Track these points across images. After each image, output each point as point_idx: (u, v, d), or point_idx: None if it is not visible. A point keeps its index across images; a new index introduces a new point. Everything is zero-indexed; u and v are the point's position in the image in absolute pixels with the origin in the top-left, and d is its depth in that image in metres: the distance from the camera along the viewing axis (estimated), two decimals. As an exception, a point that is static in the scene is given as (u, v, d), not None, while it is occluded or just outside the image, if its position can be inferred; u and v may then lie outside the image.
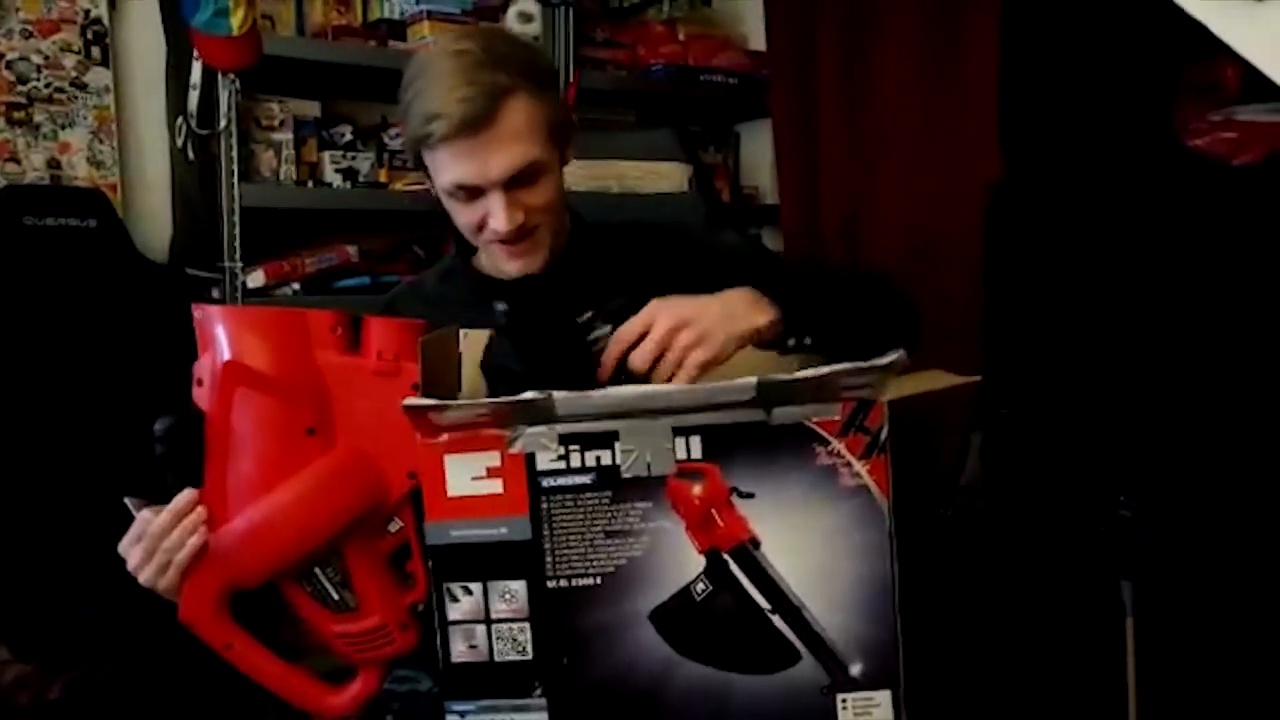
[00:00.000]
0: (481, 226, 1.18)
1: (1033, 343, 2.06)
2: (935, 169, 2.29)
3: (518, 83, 1.14)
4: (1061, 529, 1.90)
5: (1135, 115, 1.89)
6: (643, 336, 1.00)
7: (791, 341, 1.06)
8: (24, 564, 1.87)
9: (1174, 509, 1.78)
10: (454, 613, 0.92)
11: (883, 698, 0.91)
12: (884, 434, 0.89)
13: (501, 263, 1.22)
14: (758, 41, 2.78)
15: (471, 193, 1.16)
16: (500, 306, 1.25)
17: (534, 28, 2.40)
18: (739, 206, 2.79)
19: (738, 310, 1.04)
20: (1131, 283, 1.89)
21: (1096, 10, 1.83)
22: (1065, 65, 1.99)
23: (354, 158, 2.28)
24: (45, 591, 1.87)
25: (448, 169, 1.15)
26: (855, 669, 0.91)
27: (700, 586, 0.90)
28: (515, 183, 1.15)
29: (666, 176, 1.57)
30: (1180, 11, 0.85)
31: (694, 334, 1.00)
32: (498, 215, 1.15)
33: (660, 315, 1.01)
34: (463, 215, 1.19)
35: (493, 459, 0.89)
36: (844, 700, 0.91)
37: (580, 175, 1.60)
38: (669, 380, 0.97)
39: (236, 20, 1.97)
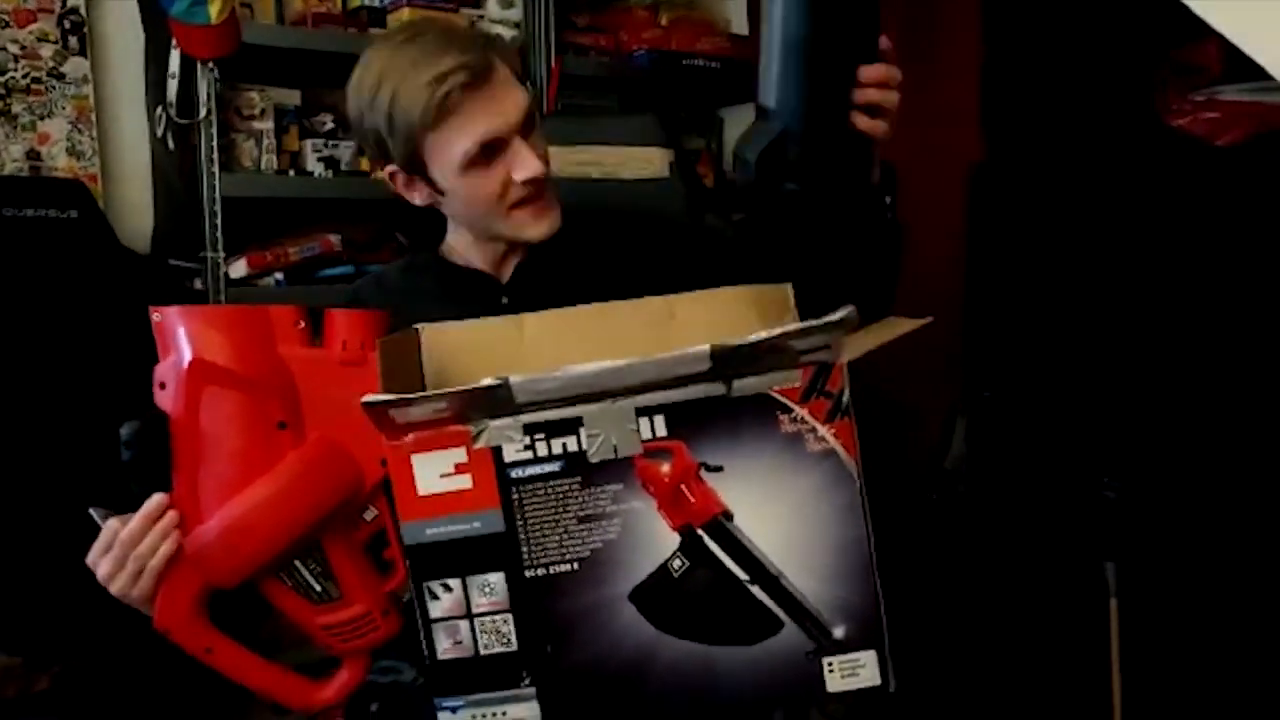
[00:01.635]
0: (504, 191, 1.18)
1: (1015, 325, 2.06)
2: (916, 149, 2.27)
3: (485, 40, 1.19)
4: (1045, 511, 1.91)
5: (1117, 95, 1.89)
6: None
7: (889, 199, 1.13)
8: (10, 557, 1.86)
9: (1157, 491, 1.79)
10: (436, 610, 0.91)
11: (868, 658, 0.91)
12: (845, 396, 0.89)
13: (527, 227, 1.21)
14: (740, 26, 2.78)
15: (489, 152, 1.15)
16: (504, 300, 1.25)
17: (515, 13, 2.39)
18: (722, 191, 2.79)
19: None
20: (1114, 264, 1.90)
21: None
22: (1047, 46, 1.99)
23: (335, 146, 2.27)
24: (28, 586, 1.86)
25: (470, 127, 1.14)
26: (838, 632, 0.91)
27: (677, 563, 0.90)
28: (525, 130, 1.17)
29: (648, 162, 1.56)
30: (1162, -7, 0.85)
31: None
32: (527, 160, 1.16)
33: None
34: (485, 185, 1.17)
35: (459, 455, 0.89)
36: (829, 663, 0.91)
37: (562, 161, 1.59)
38: None
39: (215, 9, 1.96)
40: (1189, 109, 1.79)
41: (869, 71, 1.05)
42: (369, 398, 0.85)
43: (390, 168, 1.21)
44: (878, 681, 0.92)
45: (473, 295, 1.26)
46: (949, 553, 2.01)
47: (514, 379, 0.85)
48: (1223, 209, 1.76)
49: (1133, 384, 1.87)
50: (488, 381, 0.85)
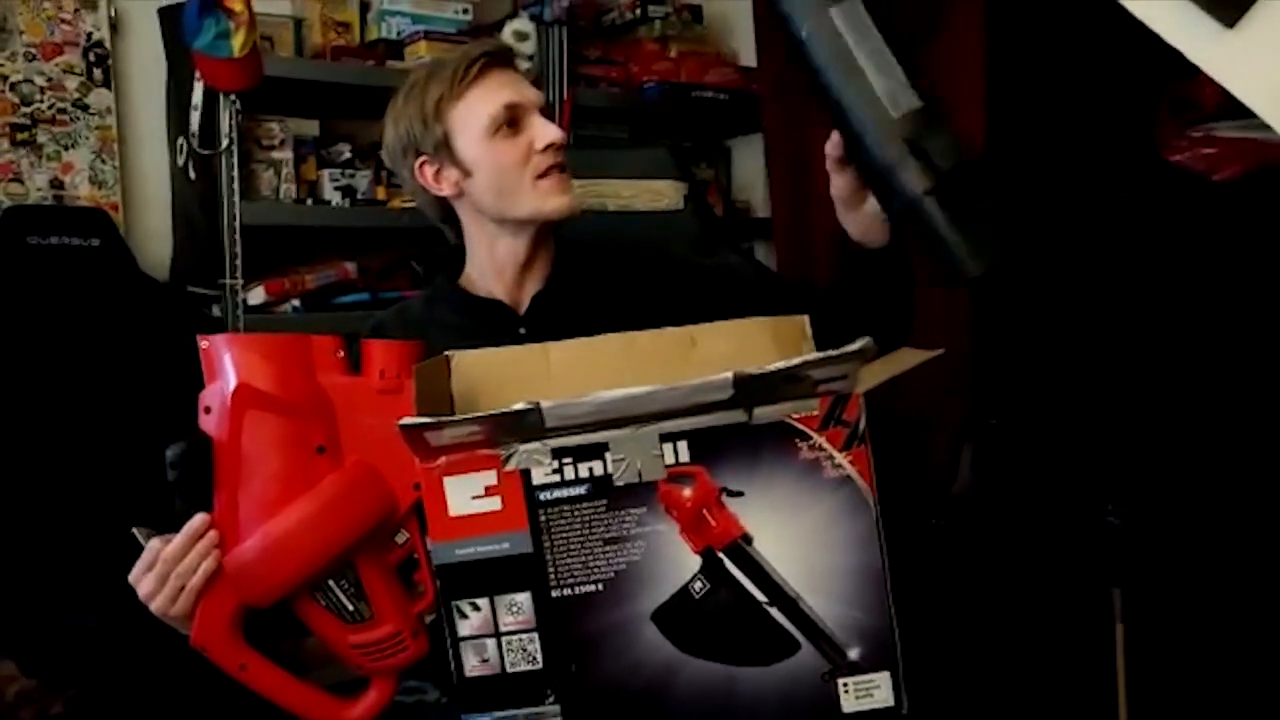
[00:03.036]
0: (526, 159, 1.26)
1: (1021, 355, 2.09)
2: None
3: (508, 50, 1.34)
4: (1051, 537, 1.93)
5: (1118, 130, 1.93)
6: None
7: None
8: (29, 580, 1.88)
9: (1162, 517, 1.81)
10: (464, 628, 0.94)
11: (882, 679, 0.94)
12: (862, 425, 0.92)
13: (549, 199, 1.28)
14: (749, 57, 2.82)
15: (513, 119, 1.26)
16: (521, 331, 1.29)
17: (529, 46, 2.43)
18: (731, 221, 2.83)
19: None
20: (1117, 295, 1.93)
21: (1079, 30, 1.87)
22: (1050, 83, 2.03)
23: (352, 175, 2.31)
24: (50, 607, 1.88)
25: (492, 95, 1.25)
26: (854, 653, 0.93)
27: (698, 585, 0.93)
28: (544, 114, 1.29)
29: (662, 194, 1.60)
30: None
31: None
32: (547, 127, 1.27)
33: None
34: (508, 153, 1.26)
35: (490, 478, 0.92)
36: (845, 684, 0.94)
37: (578, 193, 1.63)
38: None
39: (238, 43, 2.00)
40: (1187, 144, 1.83)
41: None
42: (406, 420, 0.88)
43: (421, 159, 1.29)
44: (891, 703, 0.94)
45: (491, 325, 1.30)
46: (957, 578, 2.03)
47: (545, 404, 0.88)
48: (1221, 242, 1.79)
49: (1137, 412, 1.90)
50: (520, 406, 0.88)
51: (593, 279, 1.31)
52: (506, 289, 1.32)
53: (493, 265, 1.32)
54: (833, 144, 1.10)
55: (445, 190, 1.29)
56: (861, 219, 1.17)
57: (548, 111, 1.31)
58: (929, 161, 1.01)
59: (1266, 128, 0.85)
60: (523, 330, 1.30)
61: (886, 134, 1.01)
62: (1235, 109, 0.86)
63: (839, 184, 1.15)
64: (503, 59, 1.28)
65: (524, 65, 2.41)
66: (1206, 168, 1.80)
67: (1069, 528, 1.88)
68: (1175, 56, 0.86)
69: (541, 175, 1.26)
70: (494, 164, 1.26)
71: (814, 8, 1.03)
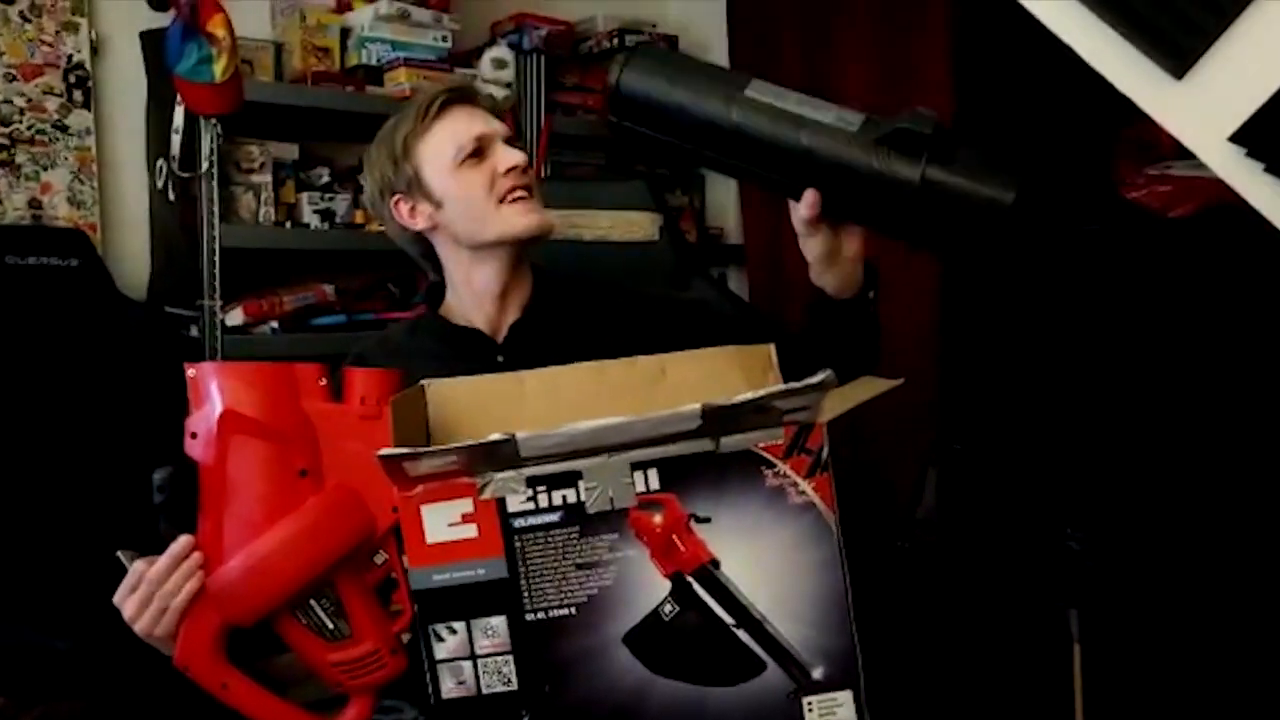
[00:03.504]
0: (491, 185, 1.31)
1: (986, 382, 2.14)
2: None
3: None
4: (1012, 560, 1.98)
5: (1079, 168, 1.98)
6: None
7: (871, 294, 1.20)
8: (3, 598, 1.88)
9: (1119, 541, 1.86)
10: (441, 652, 0.96)
11: (845, 698, 0.97)
12: (825, 453, 0.95)
13: (516, 222, 1.32)
14: (723, 87, 2.87)
15: (478, 149, 1.31)
16: (500, 359, 1.32)
17: (507, 74, 2.47)
18: (705, 247, 2.87)
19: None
20: (1078, 325, 1.98)
21: (1041, 72, 1.93)
22: (1014, 121, 2.09)
23: (331, 199, 2.33)
24: (20, 624, 1.88)
25: (456, 129, 1.32)
26: (817, 673, 0.96)
27: (668, 608, 0.96)
28: (509, 142, 1.35)
29: (638, 226, 1.64)
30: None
31: None
32: (509, 153, 1.32)
33: None
34: (475, 180, 1.31)
35: (466, 506, 0.94)
36: (809, 703, 0.97)
37: (555, 224, 1.67)
38: None
39: (219, 68, 2.02)
40: (1144, 182, 1.89)
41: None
42: (384, 451, 0.91)
43: (396, 197, 1.34)
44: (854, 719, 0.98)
45: (470, 354, 1.33)
46: (920, 599, 2.07)
47: (519, 435, 0.91)
48: (1176, 275, 1.85)
49: (1097, 440, 1.95)
50: (495, 437, 0.91)
51: (570, 310, 1.35)
52: (485, 318, 1.36)
53: (471, 294, 1.35)
54: (806, 204, 1.09)
55: (420, 224, 1.34)
56: (839, 272, 1.18)
57: (514, 140, 1.36)
58: (908, 147, 1.03)
59: (1218, 168, 0.90)
60: (501, 358, 1.33)
61: (859, 147, 1.04)
62: (1189, 149, 0.91)
63: (815, 245, 1.14)
64: (465, 95, 1.35)
65: (501, 93, 2.44)
66: (1162, 205, 1.86)
67: (1029, 550, 1.92)
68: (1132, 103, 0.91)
69: (507, 198, 1.31)
70: (462, 192, 1.31)
71: (731, 98, 1.06)
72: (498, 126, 1.35)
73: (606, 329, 1.30)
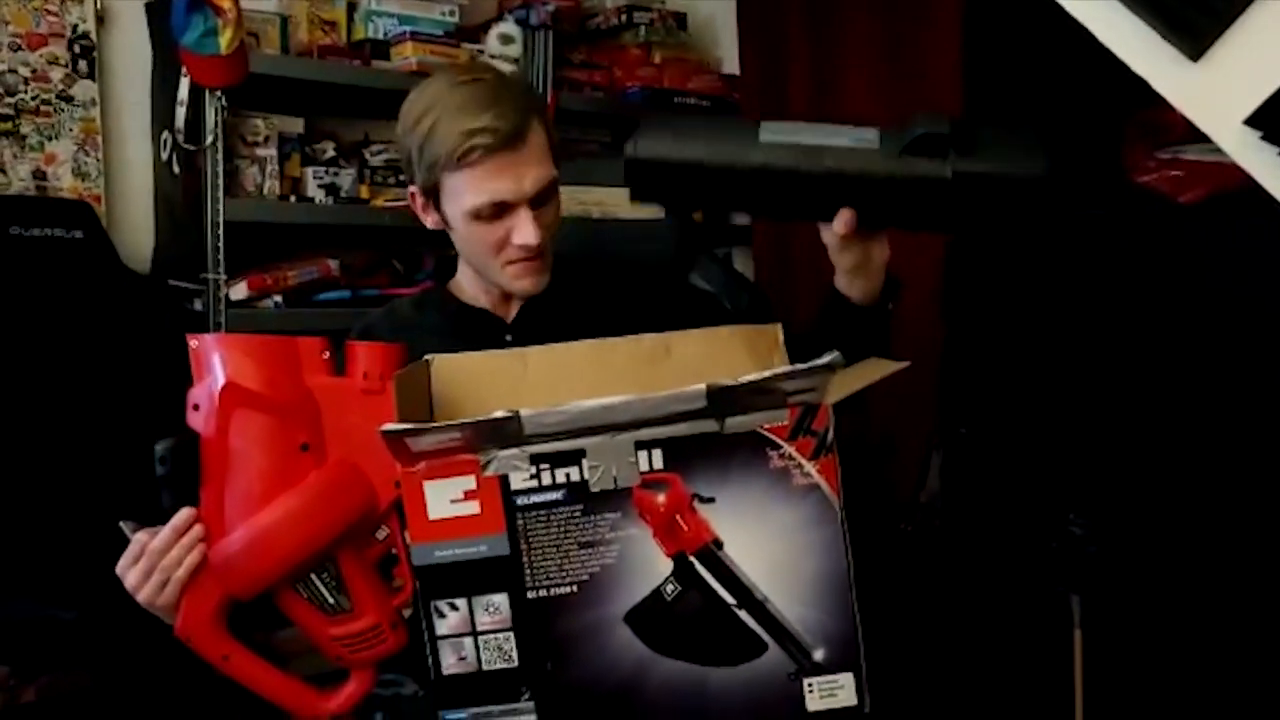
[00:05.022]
0: (501, 246, 1.25)
1: (990, 365, 2.13)
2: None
3: (532, 106, 1.26)
4: (1015, 544, 1.98)
5: (1088, 153, 1.97)
6: None
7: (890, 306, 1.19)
8: (8, 570, 1.89)
9: (1121, 527, 1.86)
10: (442, 628, 0.96)
11: (846, 680, 0.97)
12: (830, 435, 0.95)
13: (515, 281, 1.28)
14: (732, 65, 2.86)
15: (498, 211, 1.23)
16: (508, 339, 1.31)
17: (514, 49, 2.46)
18: (711, 228, 2.86)
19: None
20: (1083, 311, 1.98)
21: (1051, 54, 1.91)
22: (1022, 104, 2.07)
23: (336, 174, 2.32)
24: (26, 596, 1.89)
25: (482, 186, 1.21)
26: (818, 654, 0.97)
27: (670, 588, 0.96)
28: (537, 201, 1.24)
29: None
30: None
31: None
32: (528, 230, 1.23)
33: None
34: (485, 236, 1.24)
35: (469, 483, 0.94)
36: (810, 684, 0.97)
37: (565, 200, 1.66)
38: None
39: (225, 40, 2.01)
40: (1154, 166, 1.87)
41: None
42: (387, 427, 0.91)
43: (412, 187, 1.30)
44: (854, 702, 0.98)
45: (478, 333, 1.32)
46: (923, 582, 2.07)
47: (524, 412, 0.91)
48: (1186, 261, 1.84)
49: (1101, 424, 1.95)
50: (499, 414, 0.91)
51: (580, 290, 1.34)
52: (493, 302, 1.35)
53: (480, 285, 1.35)
54: (843, 222, 1.08)
55: (429, 223, 1.32)
56: (869, 280, 1.17)
57: (554, 187, 1.26)
58: (932, 149, 1.04)
59: (1229, 152, 0.89)
60: (509, 338, 1.32)
61: (885, 160, 1.05)
62: (1201, 133, 0.90)
63: (849, 257, 1.14)
64: (511, 140, 1.20)
65: (508, 69, 2.43)
66: (1172, 190, 1.85)
67: (1032, 535, 1.92)
68: (1144, 82, 0.89)
69: (512, 263, 1.27)
70: (470, 240, 1.27)
71: (749, 143, 1.06)
72: (531, 186, 1.22)
73: (617, 310, 1.29)
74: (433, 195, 1.27)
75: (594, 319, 1.21)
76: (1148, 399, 1.89)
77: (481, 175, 1.21)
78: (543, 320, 1.31)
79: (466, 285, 1.37)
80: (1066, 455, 1.96)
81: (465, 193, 1.23)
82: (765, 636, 0.97)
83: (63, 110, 2.18)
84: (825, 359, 0.91)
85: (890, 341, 1.25)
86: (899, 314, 1.25)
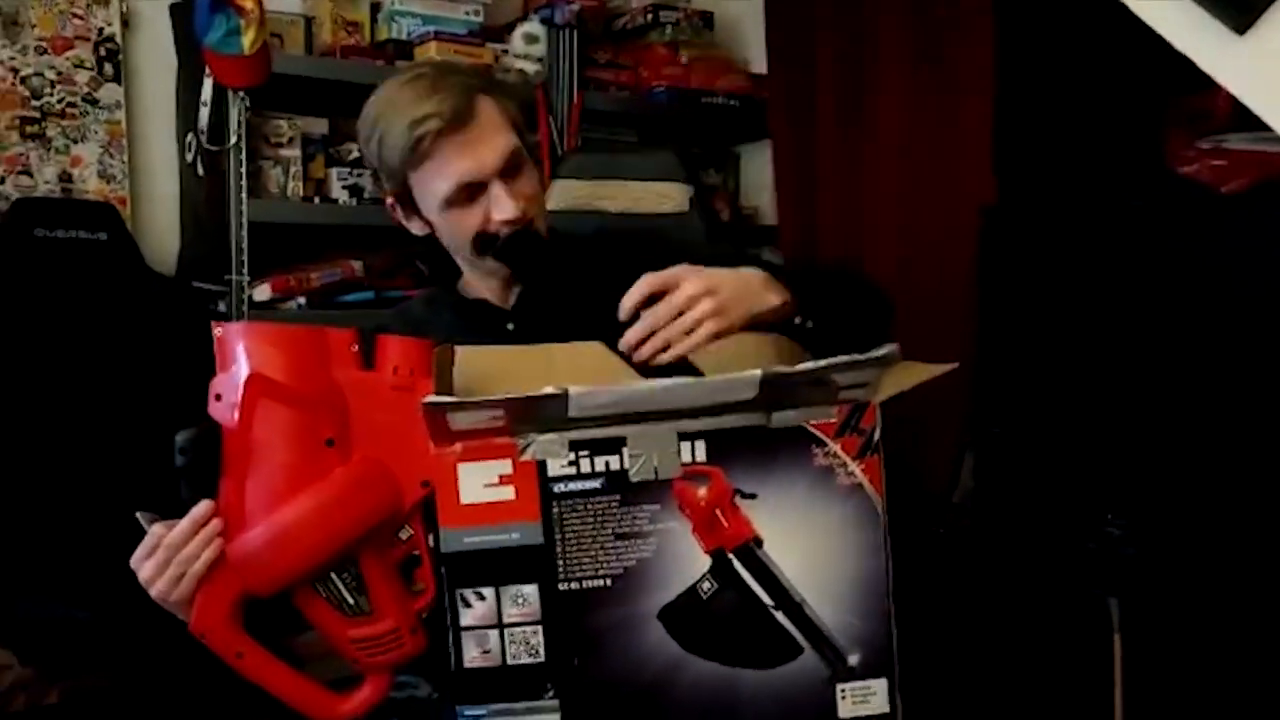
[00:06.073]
0: (484, 229, 1.23)
1: (1024, 364, 2.10)
2: (930, 192, 2.34)
3: (477, 84, 1.24)
4: (1050, 546, 1.94)
5: (1127, 142, 1.93)
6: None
7: (798, 320, 1.10)
8: (26, 569, 1.89)
9: (1160, 528, 1.82)
10: (467, 618, 0.94)
11: (879, 686, 0.95)
12: (877, 435, 0.93)
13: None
14: (759, 65, 2.83)
15: (470, 192, 1.21)
16: (509, 326, 1.29)
17: (539, 49, 2.44)
18: (739, 226, 2.84)
19: (754, 287, 1.08)
20: (1121, 306, 1.93)
21: (1088, 40, 1.88)
22: (1058, 93, 2.04)
23: (360, 174, 2.31)
24: (45, 596, 1.88)
25: (446, 170, 1.20)
26: (853, 660, 0.94)
27: (706, 585, 0.93)
28: (507, 173, 1.22)
29: (668, 197, 1.60)
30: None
31: (714, 304, 1.04)
32: (505, 204, 1.21)
33: (687, 280, 1.05)
34: (464, 222, 1.23)
35: (505, 467, 0.92)
36: (843, 690, 0.95)
37: (582, 194, 1.63)
38: (667, 348, 1.03)
39: (248, 40, 2.01)
40: (1195, 156, 1.83)
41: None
42: (430, 399, 0.88)
43: (389, 199, 1.29)
44: (886, 709, 0.95)
45: (481, 325, 1.31)
46: (955, 585, 2.03)
47: (572, 390, 0.88)
48: (1227, 253, 1.80)
49: (1138, 423, 1.91)
50: (548, 390, 0.88)
51: (584, 276, 1.31)
52: (493, 290, 1.34)
53: (478, 278, 1.34)
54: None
55: (416, 230, 1.30)
56: (767, 318, 1.11)
57: (520, 154, 1.23)
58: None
59: (1277, 140, 0.86)
60: (510, 326, 1.31)
61: None
62: (1245, 121, 0.87)
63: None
64: (458, 118, 1.18)
65: (533, 68, 2.41)
66: (1215, 179, 1.80)
67: (1068, 537, 1.89)
68: (1186, 66, 0.86)
69: None
70: (455, 232, 1.25)
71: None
72: (494, 159, 1.20)
73: (619, 289, 1.27)
74: (407, 200, 1.26)
75: (596, 303, 1.18)
76: (1187, 396, 1.84)
77: (440, 162, 1.20)
78: (542, 306, 1.30)
79: (469, 280, 1.36)
80: (1103, 454, 1.92)
81: (432, 183, 1.22)
82: (801, 640, 0.94)
83: (88, 113, 2.19)
84: (882, 351, 0.89)
85: (888, 311, 1.23)
86: (929, 310, 1.22)
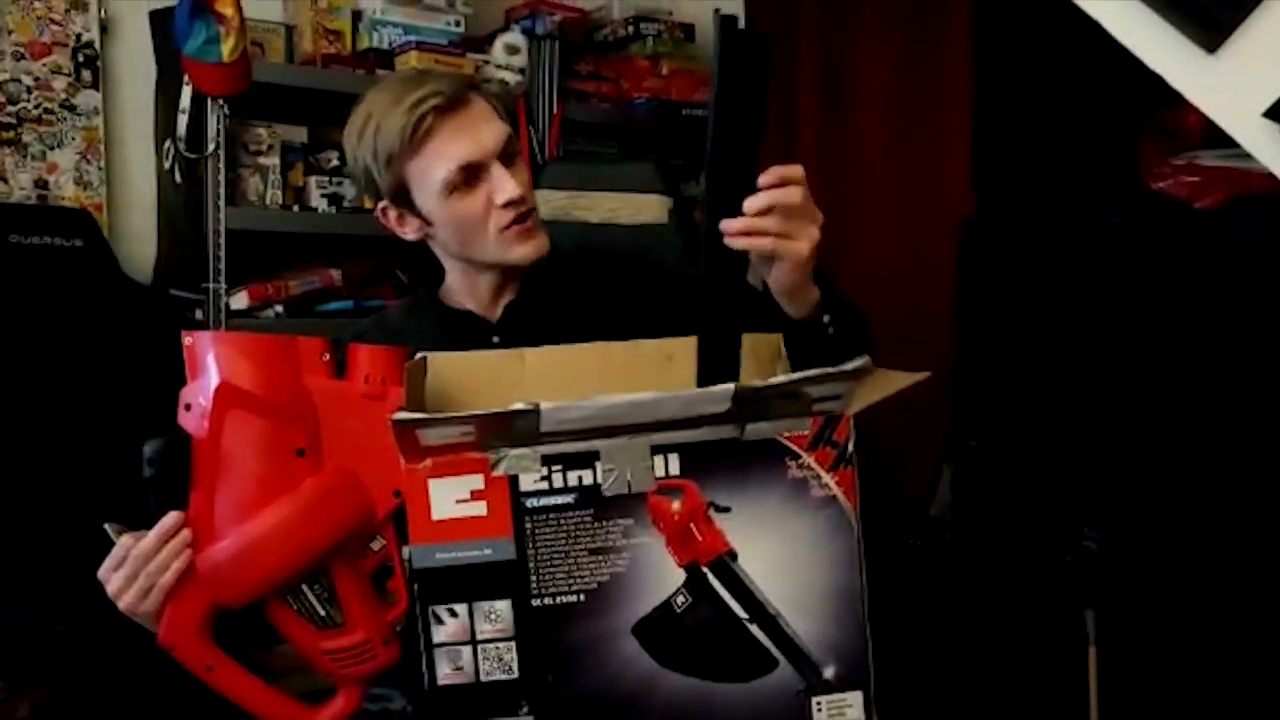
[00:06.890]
0: (487, 214, 1.22)
1: (1002, 377, 2.10)
2: (909, 204, 2.35)
3: (465, 81, 1.28)
4: (1027, 559, 1.94)
5: (1103, 157, 1.95)
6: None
7: (827, 319, 1.10)
8: (2, 582, 1.87)
9: (1136, 541, 1.82)
10: (439, 635, 0.93)
11: (855, 699, 0.95)
12: (850, 447, 0.93)
13: (515, 249, 1.24)
14: (739, 78, 2.83)
15: (470, 176, 1.20)
16: (495, 340, 1.28)
17: (520, 60, 2.44)
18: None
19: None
20: (1098, 320, 1.95)
21: (1066, 57, 1.89)
22: (1036, 109, 2.05)
23: (340, 183, 2.31)
24: (18, 609, 1.86)
25: (445, 153, 1.19)
26: (828, 672, 0.94)
27: (680, 599, 0.93)
28: (505, 159, 1.22)
29: (647, 208, 1.61)
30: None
31: (810, 241, 1.04)
32: (508, 185, 1.21)
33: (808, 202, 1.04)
34: (468, 208, 1.22)
35: (476, 482, 0.91)
36: (818, 703, 0.94)
37: (562, 205, 1.64)
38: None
39: (227, 48, 2.00)
40: (1169, 172, 1.85)
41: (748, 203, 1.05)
42: (399, 415, 0.87)
43: (382, 204, 1.27)
44: None
45: (465, 335, 1.29)
46: (934, 598, 2.03)
47: (544, 405, 0.87)
48: (1200, 269, 1.81)
49: (1115, 437, 1.92)
50: (518, 406, 0.87)
51: (568, 287, 1.31)
52: (480, 303, 1.32)
53: (467, 287, 1.32)
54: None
55: (410, 235, 1.28)
56: (806, 300, 1.11)
57: (514, 144, 1.24)
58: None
59: (1248, 157, 0.86)
60: (496, 339, 1.30)
61: None
62: (1218, 138, 0.88)
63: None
64: (455, 102, 1.20)
65: (514, 79, 2.41)
66: (1188, 195, 1.82)
67: (1044, 550, 1.89)
68: (1160, 83, 0.87)
69: (506, 229, 1.23)
70: (454, 220, 1.23)
71: None
72: (492, 141, 1.21)
73: (609, 305, 1.27)
74: (403, 197, 1.24)
75: (584, 315, 1.18)
76: (1163, 410, 1.85)
77: (440, 144, 1.20)
78: (529, 320, 1.29)
79: (454, 289, 1.34)
80: (1080, 467, 1.93)
81: (431, 169, 1.21)
82: (776, 652, 0.94)
83: (65, 119, 2.18)
84: (854, 363, 0.88)
85: (864, 326, 1.20)
86: (908, 322, 1.22)
